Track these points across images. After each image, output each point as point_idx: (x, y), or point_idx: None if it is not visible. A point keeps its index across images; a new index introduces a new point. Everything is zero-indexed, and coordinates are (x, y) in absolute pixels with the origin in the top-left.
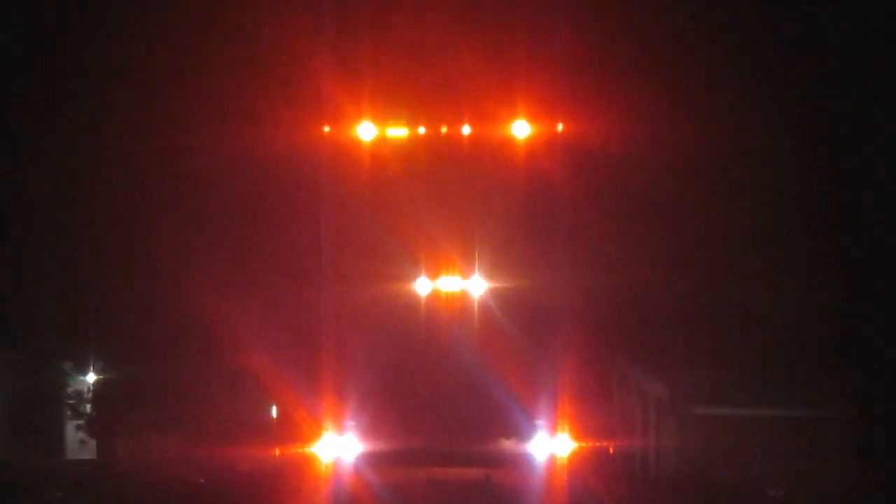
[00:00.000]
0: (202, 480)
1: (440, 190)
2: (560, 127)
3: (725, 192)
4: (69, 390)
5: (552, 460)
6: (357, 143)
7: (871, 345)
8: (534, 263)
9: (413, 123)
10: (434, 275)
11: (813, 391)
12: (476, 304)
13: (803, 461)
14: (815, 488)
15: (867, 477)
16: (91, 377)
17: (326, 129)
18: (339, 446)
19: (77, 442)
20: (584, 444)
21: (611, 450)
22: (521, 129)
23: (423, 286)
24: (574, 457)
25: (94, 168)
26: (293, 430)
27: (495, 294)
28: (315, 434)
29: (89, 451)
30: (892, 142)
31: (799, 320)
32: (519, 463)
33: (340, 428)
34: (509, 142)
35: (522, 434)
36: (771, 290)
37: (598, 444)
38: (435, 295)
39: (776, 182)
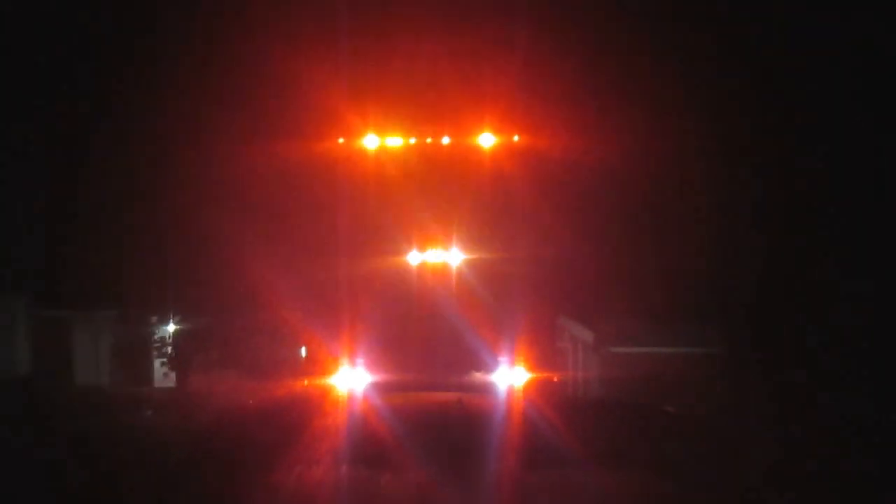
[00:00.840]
0: (251, 402)
1: (426, 187)
2: (516, 138)
3: (636, 189)
4: (156, 337)
5: (511, 387)
6: (362, 150)
7: (739, 302)
8: (497, 240)
9: (404, 135)
10: (422, 249)
11: (699, 335)
12: (454, 272)
13: (692, 385)
14: (700, 405)
15: (739, 397)
16: (171, 327)
17: (341, 140)
18: (351, 378)
19: (161, 374)
20: (534, 376)
21: (554, 379)
22: (487, 140)
23: (414, 258)
24: (527, 384)
25: (170, 173)
26: (317, 367)
27: (469, 264)
28: (334, 369)
29: (170, 381)
30: None
31: (688, 284)
32: (486, 389)
33: (353, 364)
34: (478, 149)
35: (488, 368)
36: (665, 263)
37: (544, 375)
38: (423, 265)
39: (675, 174)
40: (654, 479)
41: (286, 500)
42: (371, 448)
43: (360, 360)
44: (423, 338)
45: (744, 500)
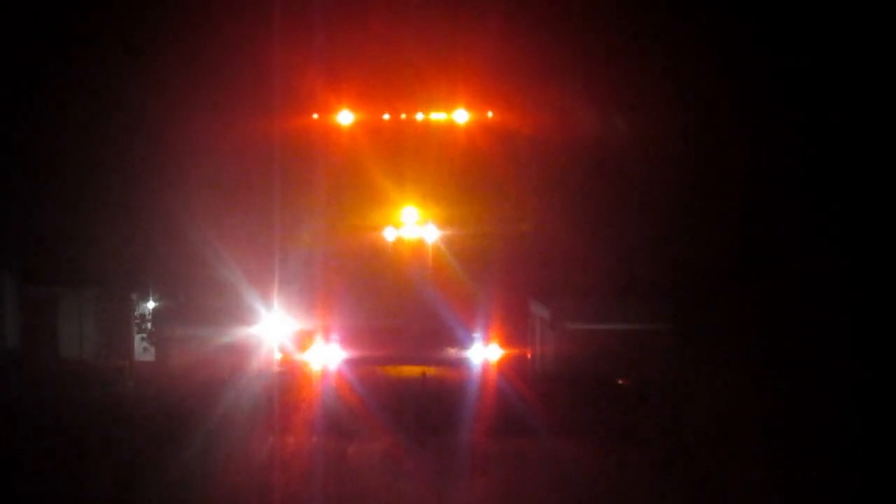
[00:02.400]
0: (226, 376)
1: (401, 163)
2: (490, 114)
3: (600, 167)
4: (136, 313)
5: (483, 362)
6: (337, 127)
7: (684, 283)
8: (471, 217)
9: (378, 112)
10: (398, 226)
11: (648, 313)
12: (430, 248)
13: (642, 359)
14: (648, 378)
15: (685, 369)
16: (151, 304)
17: (315, 116)
18: (325, 353)
19: (142, 349)
20: (506, 352)
21: (527, 356)
22: (461, 116)
23: (389, 234)
24: (499, 360)
25: (148, 153)
26: (293, 343)
27: (445, 240)
28: (308, 345)
29: (150, 355)
30: None
31: (637, 266)
32: (459, 364)
33: (327, 340)
34: (452, 125)
35: (462, 344)
36: (621, 241)
37: (515, 351)
38: (399, 241)
39: (638, 153)
40: (605, 443)
41: (259, 467)
42: (342, 419)
43: (334, 336)
44: (399, 314)
45: (680, 456)
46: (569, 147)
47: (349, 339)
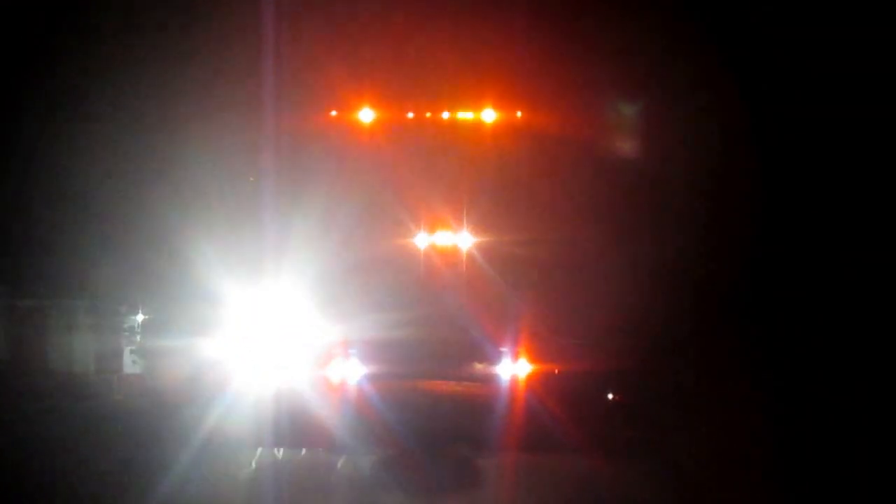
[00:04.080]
0: (217, 390)
1: (428, 164)
2: (519, 114)
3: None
4: (125, 325)
5: (513, 378)
6: (359, 125)
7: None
8: (508, 225)
9: (402, 110)
10: (430, 231)
11: None
12: (464, 256)
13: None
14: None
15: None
16: (140, 317)
17: (333, 113)
18: (344, 370)
19: (131, 362)
20: (532, 367)
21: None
22: (489, 115)
23: (421, 241)
24: (526, 375)
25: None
26: (311, 359)
27: (479, 247)
28: (327, 361)
29: (139, 367)
30: None
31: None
32: (488, 379)
33: (346, 356)
34: (481, 125)
35: (493, 359)
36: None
37: (540, 366)
38: (431, 247)
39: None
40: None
41: (248, 479)
42: (333, 432)
43: (354, 351)
44: (425, 326)
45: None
46: (604, 152)
47: (370, 354)
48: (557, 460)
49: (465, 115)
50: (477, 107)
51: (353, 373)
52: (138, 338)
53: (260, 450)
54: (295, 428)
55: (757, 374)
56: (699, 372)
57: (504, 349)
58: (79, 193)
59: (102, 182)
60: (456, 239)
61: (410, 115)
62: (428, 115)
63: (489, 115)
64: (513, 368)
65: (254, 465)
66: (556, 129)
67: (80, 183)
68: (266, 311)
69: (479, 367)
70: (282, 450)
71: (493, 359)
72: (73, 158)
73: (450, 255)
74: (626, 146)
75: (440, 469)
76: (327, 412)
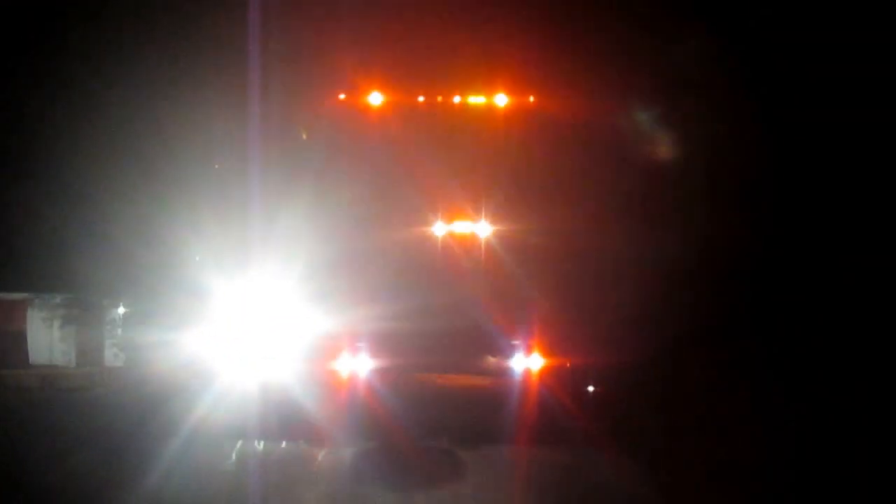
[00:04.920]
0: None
1: (440, 149)
2: (531, 98)
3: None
4: (106, 318)
5: (527, 372)
6: (368, 108)
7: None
8: (527, 214)
9: (412, 93)
10: (447, 221)
11: None
12: (483, 245)
13: None
14: None
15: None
16: (121, 310)
17: (342, 97)
18: (353, 363)
19: (112, 354)
20: (545, 361)
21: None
22: (501, 100)
23: (432, 229)
24: (539, 370)
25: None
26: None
27: (497, 236)
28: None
29: (121, 361)
30: None
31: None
32: (502, 373)
33: (353, 351)
34: (493, 109)
35: (508, 353)
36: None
37: (553, 360)
38: (448, 236)
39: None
40: None
41: (229, 472)
42: (320, 425)
43: (363, 345)
44: (440, 318)
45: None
46: (625, 138)
47: (378, 347)
48: (555, 455)
49: (476, 100)
50: (489, 91)
51: (362, 366)
52: (120, 330)
53: (241, 442)
54: (281, 421)
55: (778, 373)
56: (719, 367)
57: (518, 342)
58: (60, 185)
59: (84, 173)
60: (467, 227)
61: (421, 98)
62: (439, 98)
63: (501, 100)
64: (526, 362)
65: (234, 457)
66: (572, 113)
67: (62, 174)
68: (252, 302)
69: (491, 360)
70: (263, 442)
71: (506, 352)
72: (52, 149)
73: (461, 243)
74: (646, 132)
75: (422, 461)
76: (315, 405)
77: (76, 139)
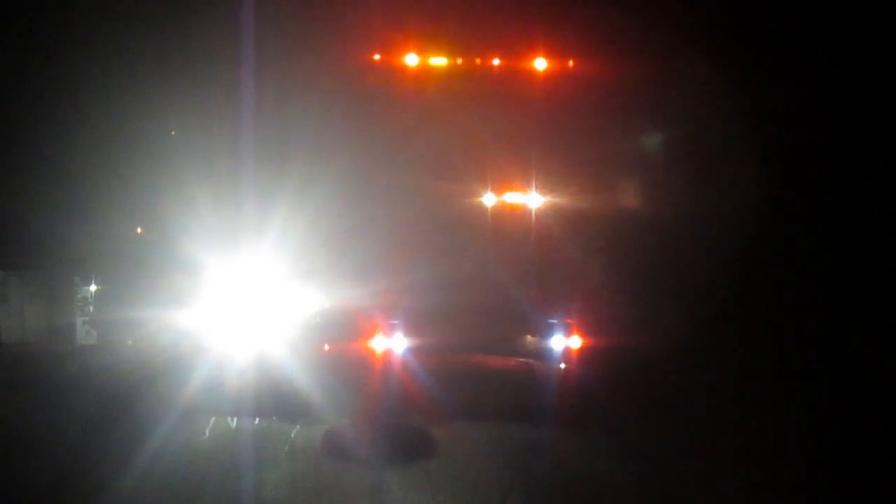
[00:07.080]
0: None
1: (481, 114)
2: (571, 63)
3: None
4: (78, 296)
5: (567, 352)
6: (405, 70)
7: None
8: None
9: (449, 55)
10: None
11: None
12: (533, 218)
13: None
14: None
15: None
16: (93, 287)
17: (377, 57)
18: (389, 341)
19: (84, 332)
20: (585, 341)
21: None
22: (540, 64)
23: (488, 200)
24: (578, 349)
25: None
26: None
27: (548, 208)
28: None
29: (93, 339)
30: None
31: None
32: (540, 354)
33: (388, 332)
34: (534, 73)
35: (543, 332)
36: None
37: (596, 340)
38: (498, 206)
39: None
40: None
41: (200, 449)
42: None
43: (398, 323)
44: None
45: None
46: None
47: (414, 328)
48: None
49: (515, 63)
50: (528, 55)
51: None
52: (92, 308)
53: (214, 419)
54: (261, 400)
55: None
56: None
57: (557, 321)
58: (29, 161)
59: (55, 146)
60: (511, 197)
61: (459, 61)
62: (477, 61)
63: (540, 64)
64: (566, 342)
65: (207, 433)
66: (618, 77)
67: (30, 149)
68: (232, 281)
69: (529, 340)
70: (236, 419)
71: (545, 332)
72: (23, 124)
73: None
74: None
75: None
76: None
77: (49, 109)
